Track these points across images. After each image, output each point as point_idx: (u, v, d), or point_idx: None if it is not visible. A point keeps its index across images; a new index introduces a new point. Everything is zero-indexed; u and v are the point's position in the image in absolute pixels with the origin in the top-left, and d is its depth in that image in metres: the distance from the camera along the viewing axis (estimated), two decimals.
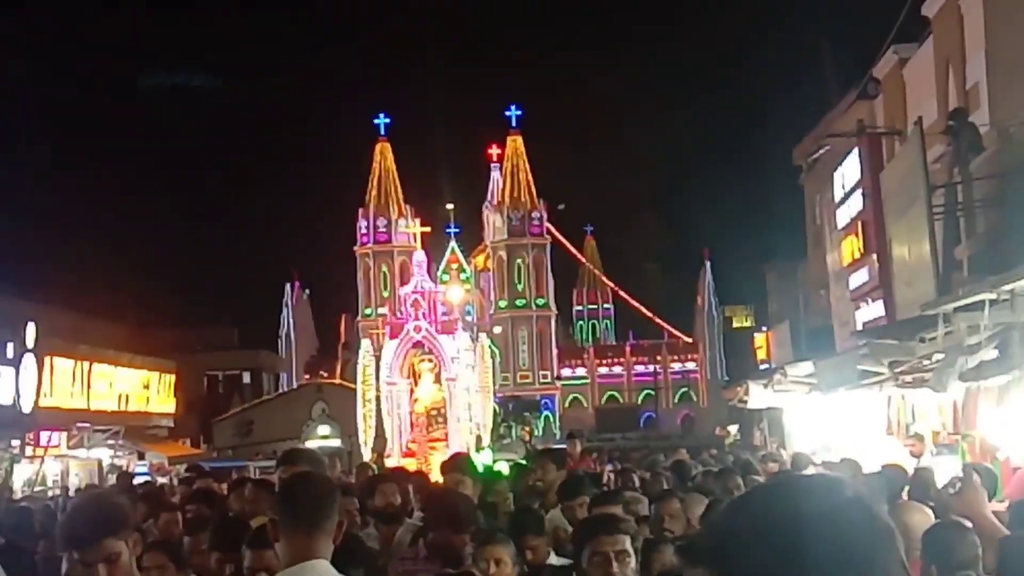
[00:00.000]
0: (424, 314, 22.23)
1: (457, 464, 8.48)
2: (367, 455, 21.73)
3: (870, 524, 1.67)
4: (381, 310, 73.32)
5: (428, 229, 23.47)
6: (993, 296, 7.91)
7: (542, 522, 7.04)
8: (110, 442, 33.17)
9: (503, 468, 15.69)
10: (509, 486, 9.31)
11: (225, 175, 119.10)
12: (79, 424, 30.96)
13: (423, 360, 21.99)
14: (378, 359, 22.60)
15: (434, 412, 21.51)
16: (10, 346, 26.64)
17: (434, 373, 21.85)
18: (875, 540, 1.66)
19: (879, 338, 12.47)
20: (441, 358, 21.85)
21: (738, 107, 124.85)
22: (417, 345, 22.14)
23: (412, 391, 22.00)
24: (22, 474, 27.21)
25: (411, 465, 19.61)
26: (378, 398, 22.25)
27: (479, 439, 21.78)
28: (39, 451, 28.06)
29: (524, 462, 20.05)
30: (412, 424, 21.73)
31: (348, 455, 34.26)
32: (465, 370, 21.96)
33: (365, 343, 24.25)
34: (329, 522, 4.22)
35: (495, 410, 73.30)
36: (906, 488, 8.51)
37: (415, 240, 24.11)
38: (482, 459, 21.05)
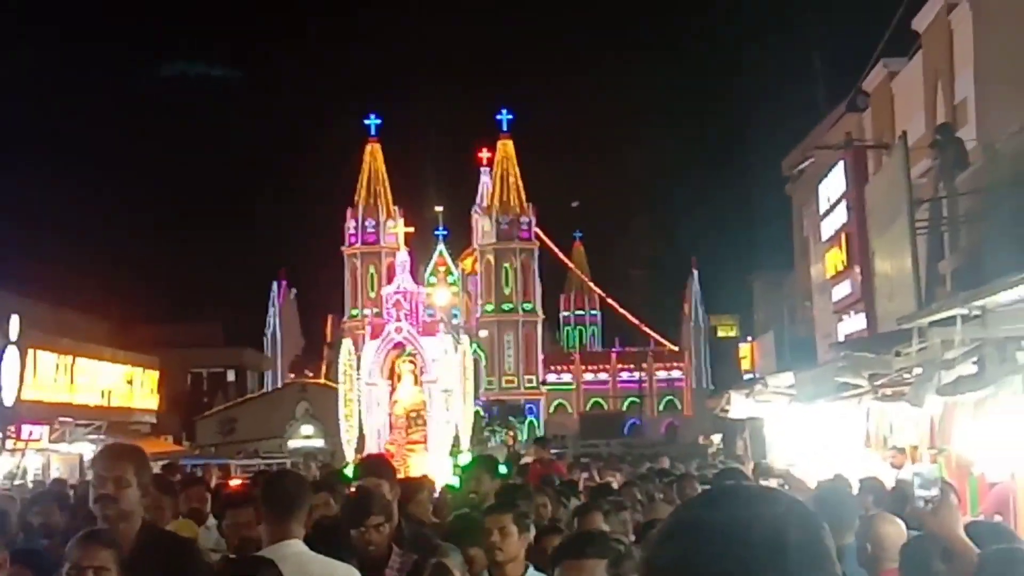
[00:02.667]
0: (406, 315, 22.18)
1: (373, 466, 7.32)
2: (350, 455, 21.63)
3: (807, 539, 1.68)
4: (368, 311, 73.37)
5: (411, 229, 23.38)
6: (965, 311, 7.94)
7: (479, 531, 6.68)
8: (92, 437, 33.04)
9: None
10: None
11: (214, 172, 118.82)
12: (61, 418, 30.88)
13: (404, 361, 21.91)
14: (359, 359, 22.51)
15: (414, 414, 21.41)
16: None
17: (415, 375, 21.74)
18: (810, 556, 1.67)
19: (856, 351, 12.50)
20: (422, 360, 21.80)
21: (729, 117, 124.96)
22: (398, 346, 22.02)
23: (392, 392, 21.91)
24: (2, 467, 27.12)
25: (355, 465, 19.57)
26: (359, 399, 22.16)
27: (457, 441, 21.71)
28: (20, 444, 27.96)
29: (504, 466, 20.07)
30: (391, 426, 21.61)
31: (332, 455, 34.26)
32: (446, 372, 21.87)
33: (346, 343, 24.09)
34: (301, 511, 5.32)
35: (478, 413, 73.27)
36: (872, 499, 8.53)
37: (402, 241, 24.36)
38: (461, 462, 21.01)
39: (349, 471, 18.17)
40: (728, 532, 1.66)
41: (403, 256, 24.68)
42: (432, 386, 21.45)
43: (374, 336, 22.61)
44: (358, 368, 22.11)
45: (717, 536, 1.66)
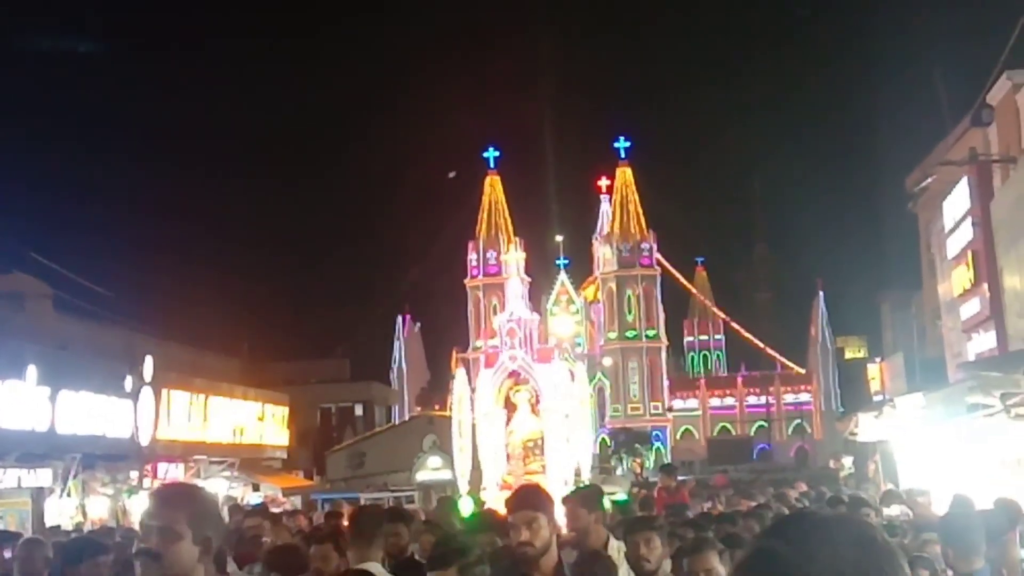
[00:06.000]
0: (521, 342, 21.79)
1: (527, 498, 5.81)
2: (463, 487, 21.37)
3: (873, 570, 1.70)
4: (491, 342, 73.68)
5: (524, 255, 22.78)
6: None
7: None
8: (226, 474, 33.73)
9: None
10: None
11: (338, 211, 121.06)
12: (195, 456, 31.56)
13: (520, 391, 21.41)
14: (474, 389, 22.01)
15: (531, 444, 20.93)
16: (128, 379, 27.24)
17: (531, 404, 21.24)
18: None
19: (985, 370, 12.22)
20: (537, 388, 21.34)
21: (850, 136, 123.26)
22: (513, 375, 21.58)
23: (508, 422, 21.42)
24: (140, 506, 27.76)
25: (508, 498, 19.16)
26: (474, 429, 21.72)
27: (578, 472, 21.16)
28: (156, 483, 28.56)
29: (627, 497, 19.74)
30: (508, 456, 21.14)
31: (456, 487, 34.48)
32: (563, 400, 21.33)
33: (460, 372, 23.74)
34: (378, 539, 6.72)
35: (604, 442, 72.66)
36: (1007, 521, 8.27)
37: (520, 269, 23.85)
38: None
39: (464, 504, 18.10)
40: (789, 563, 1.68)
41: (515, 283, 24.31)
42: (549, 415, 20.98)
43: (488, 365, 22.26)
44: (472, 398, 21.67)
45: (779, 568, 1.68)
